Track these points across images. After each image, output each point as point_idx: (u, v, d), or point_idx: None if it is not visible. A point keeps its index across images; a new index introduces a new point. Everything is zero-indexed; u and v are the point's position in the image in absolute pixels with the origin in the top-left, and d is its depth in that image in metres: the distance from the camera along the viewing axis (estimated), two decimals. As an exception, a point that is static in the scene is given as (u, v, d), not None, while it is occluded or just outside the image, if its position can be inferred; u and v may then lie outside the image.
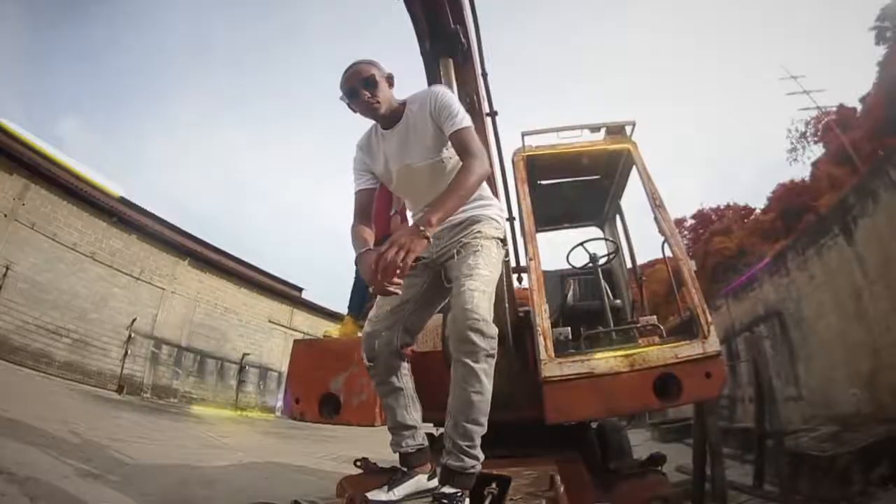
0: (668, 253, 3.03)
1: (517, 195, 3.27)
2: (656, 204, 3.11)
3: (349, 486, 2.30)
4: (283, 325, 17.23)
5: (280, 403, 16.32)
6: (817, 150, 26.33)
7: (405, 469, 1.65)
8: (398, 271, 1.30)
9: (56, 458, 3.79)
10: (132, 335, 11.67)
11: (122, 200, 12.86)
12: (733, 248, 25.27)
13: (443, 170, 1.71)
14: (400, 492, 1.58)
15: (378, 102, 1.69)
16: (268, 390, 16.18)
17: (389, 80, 1.79)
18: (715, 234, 28.03)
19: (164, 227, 13.98)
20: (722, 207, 31.90)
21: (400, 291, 1.37)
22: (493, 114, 3.47)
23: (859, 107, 22.95)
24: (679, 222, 29.69)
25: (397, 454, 1.72)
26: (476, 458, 1.42)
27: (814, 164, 26.20)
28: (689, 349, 2.50)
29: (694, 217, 30.54)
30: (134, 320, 11.78)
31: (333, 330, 3.59)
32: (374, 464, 2.42)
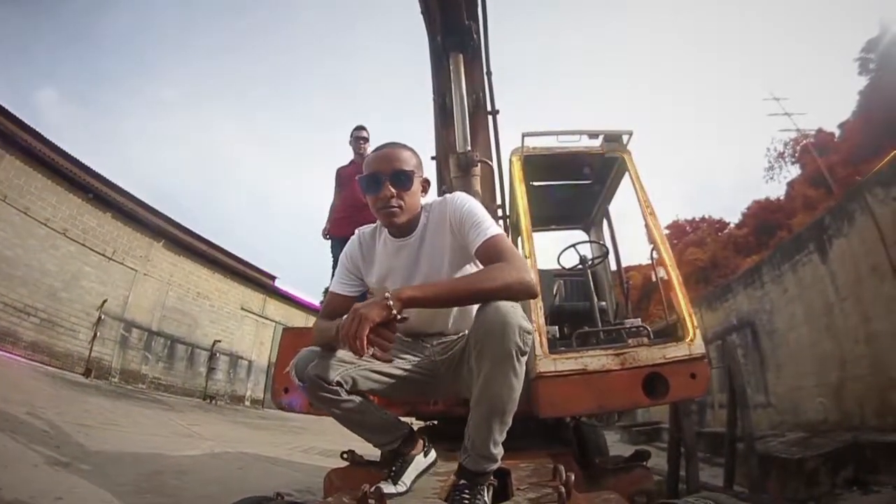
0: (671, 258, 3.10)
1: (513, 194, 3.32)
2: (648, 212, 3.20)
3: (337, 478, 2.30)
4: (255, 313, 16.99)
5: (249, 392, 16.23)
6: (794, 171, 27.34)
7: (402, 458, 1.59)
8: (360, 342, 1.17)
9: (25, 446, 3.71)
10: (102, 317, 11.32)
11: (99, 177, 12.43)
12: (706, 260, 25.97)
13: None
14: (406, 480, 1.55)
15: (400, 210, 1.46)
16: (237, 379, 15.95)
17: (425, 185, 1.56)
18: (689, 244, 28.72)
19: (140, 207, 13.53)
20: (697, 219, 32.76)
21: (377, 355, 1.24)
22: (494, 112, 3.56)
23: (837, 132, 23.93)
24: None
25: (389, 451, 1.63)
26: (498, 458, 1.36)
27: (789, 184, 27.19)
28: (675, 350, 2.61)
29: (668, 227, 31.20)
30: (104, 301, 11.43)
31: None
32: (361, 456, 2.42)
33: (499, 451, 1.34)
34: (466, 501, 1.29)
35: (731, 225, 31.22)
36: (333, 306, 1.56)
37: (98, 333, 11.16)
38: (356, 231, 1.69)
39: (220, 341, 15.10)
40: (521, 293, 1.25)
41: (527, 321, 1.22)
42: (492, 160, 3.58)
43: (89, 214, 11.39)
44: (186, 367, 14.01)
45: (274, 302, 18.00)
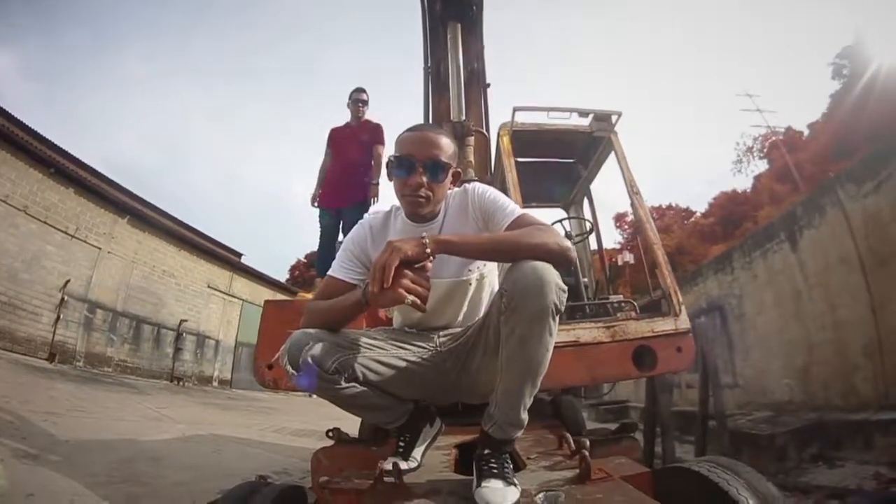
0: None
1: (501, 169, 3.30)
2: (633, 191, 3.25)
3: (325, 458, 2.23)
4: (221, 291, 16.58)
5: (217, 373, 15.96)
6: (761, 165, 28.27)
7: (409, 433, 1.52)
8: (389, 271, 1.13)
9: (-11, 438, 3.52)
10: (65, 298, 10.80)
11: (60, 151, 11.84)
12: (671, 247, 26.73)
13: (465, 293, 1.48)
14: (417, 455, 1.50)
15: (427, 202, 1.39)
16: (205, 359, 15.62)
17: (456, 176, 1.48)
18: (640, 233, 29.52)
19: (104, 183, 12.89)
20: (664, 207, 33.59)
21: (414, 303, 1.14)
22: (485, 86, 3.52)
23: (806, 131, 24.82)
24: (621, 217, 31.22)
25: (396, 427, 1.53)
26: (524, 424, 1.30)
27: (756, 178, 28.13)
28: (663, 325, 2.68)
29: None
30: (67, 282, 10.89)
31: (308, 294, 3.53)
32: (347, 434, 2.37)
33: (525, 416, 1.28)
34: (495, 470, 1.22)
35: (698, 214, 32.29)
36: (332, 291, 1.44)
37: (61, 316, 10.66)
38: (365, 217, 1.59)
39: (186, 321, 14.68)
40: (559, 256, 1.20)
41: (561, 280, 1.16)
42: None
43: (51, 190, 10.81)
44: (153, 349, 13.58)
45: (240, 280, 17.60)
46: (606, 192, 4.31)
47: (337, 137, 4.30)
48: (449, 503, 1.20)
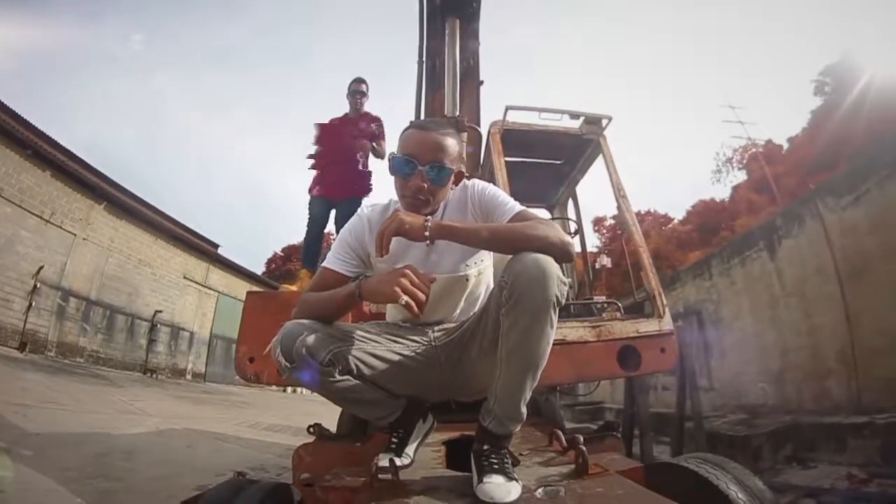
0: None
1: (491, 167, 3.30)
2: (620, 195, 3.29)
3: (307, 454, 2.20)
4: (197, 283, 16.33)
5: (191, 366, 15.74)
6: (740, 176, 28.87)
7: (402, 429, 1.49)
8: (388, 237, 1.20)
9: (-42, 432, 3.42)
10: (38, 285, 10.48)
11: (38, 132, 11.40)
12: (649, 252, 27.18)
13: (462, 288, 1.46)
14: (410, 451, 1.47)
15: (426, 204, 1.37)
16: (179, 351, 15.37)
17: (458, 177, 1.46)
18: (625, 236, 30.03)
19: (82, 167, 12.46)
20: (643, 213, 34.15)
21: (409, 306, 1.14)
22: (479, 83, 3.52)
23: (786, 145, 25.41)
24: (599, 221, 31.64)
25: (389, 422, 1.50)
26: (524, 418, 1.28)
27: (734, 188, 28.74)
28: (647, 326, 2.71)
29: (613, 218, 32.26)
30: (41, 268, 10.57)
31: (291, 286, 3.47)
32: (328, 430, 2.33)
33: (525, 410, 1.26)
34: (496, 466, 1.20)
35: (676, 220, 32.89)
36: (327, 283, 1.41)
37: (33, 303, 10.37)
38: (362, 209, 1.56)
39: (161, 311, 14.42)
40: (560, 250, 1.20)
41: (562, 273, 1.16)
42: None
43: (27, 173, 10.50)
44: (126, 339, 13.30)
45: (217, 271, 17.33)
46: (585, 196, 4.36)
47: (334, 128, 4.18)
48: (449, 499, 1.19)
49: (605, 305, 2.95)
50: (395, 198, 1.47)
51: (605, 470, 1.29)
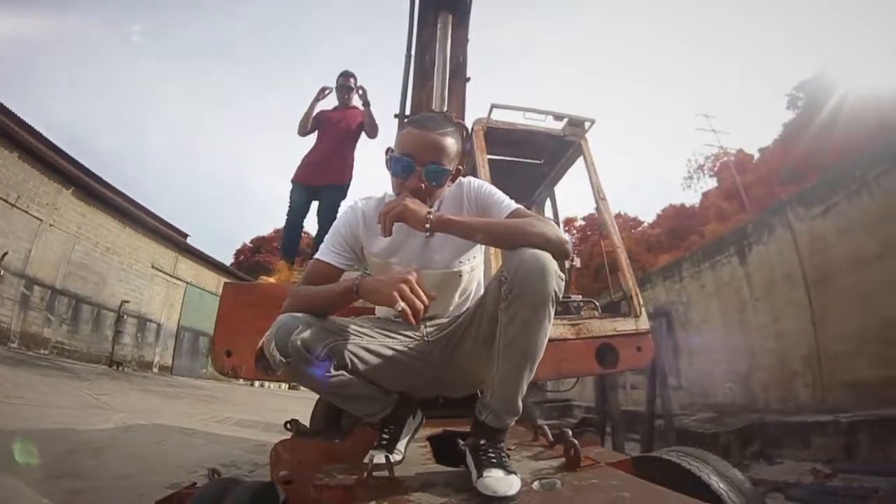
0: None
1: (473, 164, 3.31)
2: (600, 197, 3.34)
3: (285, 451, 2.15)
4: (166, 273, 15.96)
5: (158, 358, 15.40)
6: (711, 183, 29.57)
7: (393, 425, 1.46)
8: (391, 220, 1.23)
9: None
10: (1, 272, 10.06)
11: (5, 110, 10.87)
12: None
13: (456, 284, 1.47)
14: (401, 447, 1.45)
15: (424, 203, 1.33)
16: (145, 343, 14.99)
17: (457, 174, 1.46)
18: (603, 237, 30.51)
19: (51, 150, 11.93)
20: (613, 215, 34.66)
21: (406, 315, 1.12)
22: (466, 79, 3.52)
23: (757, 155, 26.11)
24: (570, 222, 32.05)
25: (380, 418, 1.47)
26: (520, 412, 1.27)
27: (704, 194, 29.43)
28: (624, 324, 2.76)
29: (585, 219, 32.63)
30: (5, 254, 10.10)
31: (270, 279, 3.41)
32: (305, 426, 2.30)
33: (521, 404, 1.26)
34: (494, 460, 1.20)
35: (646, 224, 33.58)
36: (320, 275, 1.40)
37: (-3, 292, 9.95)
38: (356, 201, 1.55)
39: (128, 302, 14.02)
40: (558, 247, 1.21)
41: (559, 268, 1.18)
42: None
43: (-6, 154, 10.05)
44: (92, 331, 12.89)
45: (185, 261, 16.98)
46: (557, 197, 4.44)
47: (324, 119, 4.20)
48: (447, 494, 1.18)
49: (583, 304, 3.01)
50: (390, 191, 1.46)
51: (596, 462, 1.31)
